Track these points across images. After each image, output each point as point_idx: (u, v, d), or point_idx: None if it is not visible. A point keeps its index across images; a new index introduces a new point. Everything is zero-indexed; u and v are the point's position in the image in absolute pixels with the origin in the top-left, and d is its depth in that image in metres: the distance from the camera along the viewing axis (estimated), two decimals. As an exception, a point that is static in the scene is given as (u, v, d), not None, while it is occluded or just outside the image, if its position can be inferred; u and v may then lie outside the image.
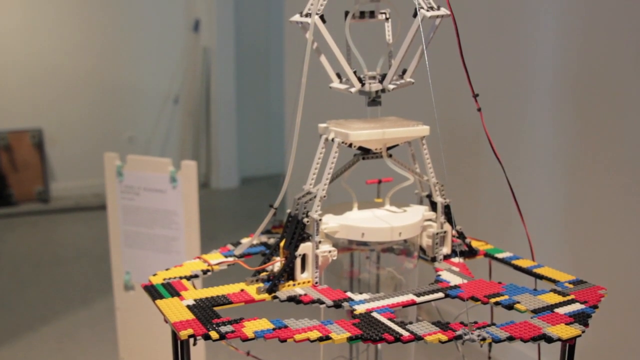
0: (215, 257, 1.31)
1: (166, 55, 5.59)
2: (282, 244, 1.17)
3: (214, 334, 0.97)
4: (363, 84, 1.23)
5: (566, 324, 1.02)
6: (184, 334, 0.97)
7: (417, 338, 0.98)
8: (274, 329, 0.99)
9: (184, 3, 5.64)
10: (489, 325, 1.01)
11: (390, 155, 1.26)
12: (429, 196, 1.32)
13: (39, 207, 5.09)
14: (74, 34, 5.26)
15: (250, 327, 1.00)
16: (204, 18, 5.56)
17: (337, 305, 1.10)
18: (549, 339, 0.98)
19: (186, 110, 5.71)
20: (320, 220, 1.15)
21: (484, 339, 0.98)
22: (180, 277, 1.21)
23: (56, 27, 5.19)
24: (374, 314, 1.06)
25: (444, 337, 0.98)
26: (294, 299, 1.12)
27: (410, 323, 1.02)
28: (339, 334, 0.98)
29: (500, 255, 1.37)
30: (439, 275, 1.23)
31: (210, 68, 5.61)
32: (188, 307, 1.07)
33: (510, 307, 1.10)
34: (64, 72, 5.25)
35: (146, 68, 5.53)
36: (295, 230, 1.15)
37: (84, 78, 5.33)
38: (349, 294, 1.13)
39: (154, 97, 5.61)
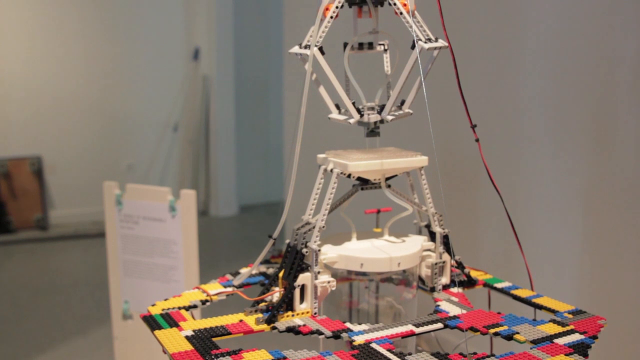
0: (214, 287, 1.31)
1: (166, 84, 5.63)
2: (281, 274, 1.17)
3: (212, 366, 0.97)
4: (362, 115, 1.24)
5: (565, 355, 1.01)
6: (182, 365, 0.97)
7: (417, 369, 0.98)
8: (272, 360, 0.99)
9: (184, 31, 5.69)
10: (488, 356, 1.01)
11: (389, 186, 1.27)
12: (428, 226, 1.32)
13: (38, 234, 5.09)
14: (74, 62, 5.30)
15: (248, 358, 0.99)
16: (204, 46, 5.60)
17: (336, 336, 1.10)
18: (549, 371, 0.97)
19: (185, 138, 5.73)
20: (319, 250, 1.15)
21: (483, 371, 0.98)
22: (179, 308, 1.21)
23: (56, 56, 5.23)
24: (373, 345, 1.05)
25: (443, 369, 0.98)
26: (292, 330, 1.11)
27: (410, 354, 1.02)
28: (338, 366, 0.98)
29: (499, 285, 1.37)
30: (438, 306, 1.22)
31: (209, 96, 5.64)
32: (187, 337, 1.06)
33: (509, 337, 1.10)
34: (64, 100, 5.28)
35: (146, 96, 5.56)
36: (294, 261, 1.15)
37: (83, 106, 5.35)
38: (348, 324, 1.13)
39: (153, 125, 5.63)
